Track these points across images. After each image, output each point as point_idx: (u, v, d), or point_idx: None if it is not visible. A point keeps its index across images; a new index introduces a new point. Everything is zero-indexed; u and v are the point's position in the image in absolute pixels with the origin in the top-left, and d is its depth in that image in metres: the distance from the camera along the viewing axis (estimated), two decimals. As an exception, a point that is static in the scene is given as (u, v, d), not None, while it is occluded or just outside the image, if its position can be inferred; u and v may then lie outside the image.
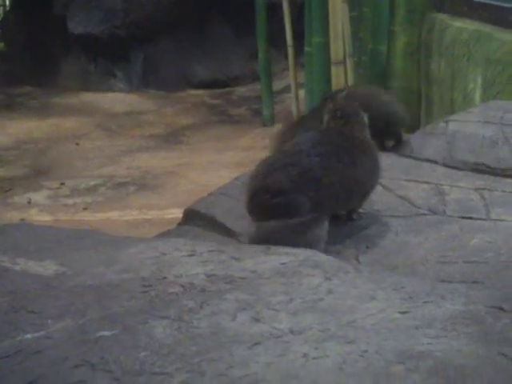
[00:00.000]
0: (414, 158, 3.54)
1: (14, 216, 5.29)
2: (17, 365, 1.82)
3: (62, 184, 6.08)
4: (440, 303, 2.04)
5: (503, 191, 3.20)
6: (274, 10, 7.52)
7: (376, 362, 1.72)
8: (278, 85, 8.16)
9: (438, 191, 3.22)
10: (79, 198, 5.79)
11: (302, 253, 2.46)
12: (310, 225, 2.79)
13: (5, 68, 9.93)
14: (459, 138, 3.55)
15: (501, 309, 1.98)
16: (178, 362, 1.77)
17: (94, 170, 6.44)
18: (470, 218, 3.01)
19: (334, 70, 5.61)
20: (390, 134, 3.67)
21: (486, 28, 5.10)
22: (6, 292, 2.24)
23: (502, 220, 2.99)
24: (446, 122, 3.73)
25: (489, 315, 1.96)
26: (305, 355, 1.76)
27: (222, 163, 6.38)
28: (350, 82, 6.05)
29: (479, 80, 4.91)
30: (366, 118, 3.08)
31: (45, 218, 5.28)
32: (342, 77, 5.62)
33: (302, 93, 7.19)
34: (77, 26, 9.22)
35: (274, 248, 2.53)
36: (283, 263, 2.36)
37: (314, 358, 1.74)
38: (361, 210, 3.10)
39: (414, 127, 5.65)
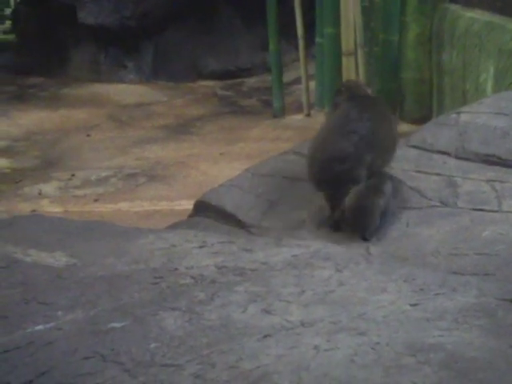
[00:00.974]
0: (426, 150, 3.53)
1: (24, 207, 5.29)
2: (28, 356, 1.82)
3: (73, 175, 6.08)
4: (451, 295, 2.04)
5: (515, 183, 3.18)
6: (285, 1, 7.49)
7: (387, 354, 1.71)
8: (288, 76, 8.12)
9: (450, 183, 3.20)
10: (90, 189, 5.78)
11: (313, 245, 2.45)
12: (384, 183, 3.04)
13: (16, 59, 9.93)
14: (471, 129, 3.53)
15: (512, 301, 1.98)
16: (189, 353, 1.77)
17: (104, 161, 6.43)
18: (482, 209, 2.99)
19: (344, 60, 5.58)
20: None
21: (498, 19, 5.07)
22: (17, 283, 2.24)
23: (513, 212, 2.96)
24: (458, 112, 3.70)
25: (500, 308, 1.95)
26: (316, 347, 1.76)
27: (232, 154, 6.36)
28: (361, 72, 6.04)
29: (491, 71, 4.88)
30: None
31: (55, 210, 5.28)
32: (352, 68, 5.60)
33: (312, 84, 7.17)
34: (87, 16, 9.21)
35: (285, 240, 2.53)
36: (294, 255, 2.36)
37: (325, 350, 1.74)
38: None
39: (425, 118, 5.64)
